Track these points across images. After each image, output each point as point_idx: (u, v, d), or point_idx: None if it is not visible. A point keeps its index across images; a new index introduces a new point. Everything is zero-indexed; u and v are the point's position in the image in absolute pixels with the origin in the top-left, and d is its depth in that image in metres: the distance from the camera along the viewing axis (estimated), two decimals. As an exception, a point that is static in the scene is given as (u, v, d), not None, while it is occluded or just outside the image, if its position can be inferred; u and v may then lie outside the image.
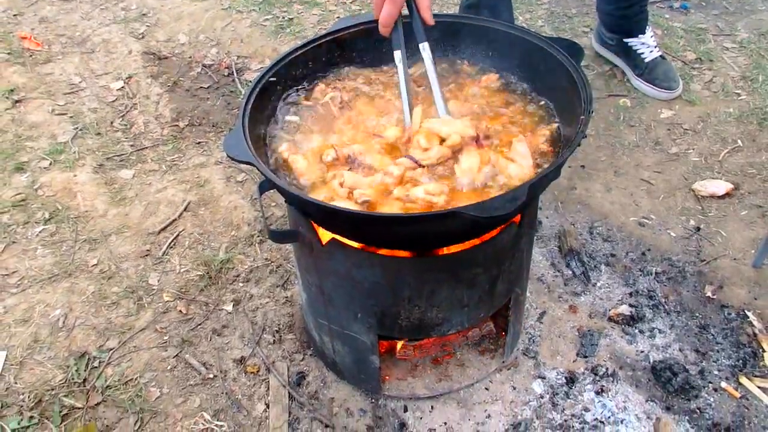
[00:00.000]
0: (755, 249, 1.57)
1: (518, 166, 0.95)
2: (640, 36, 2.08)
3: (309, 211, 1.01)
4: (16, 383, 1.35)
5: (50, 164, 1.94)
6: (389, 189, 0.96)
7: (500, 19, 1.20)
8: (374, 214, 0.93)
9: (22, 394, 1.33)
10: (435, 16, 1.18)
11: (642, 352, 1.37)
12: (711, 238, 1.63)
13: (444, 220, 0.86)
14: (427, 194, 0.93)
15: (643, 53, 2.08)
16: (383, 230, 0.95)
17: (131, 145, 2.01)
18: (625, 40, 2.10)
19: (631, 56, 2.11)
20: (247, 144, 0.96)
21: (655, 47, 2.08)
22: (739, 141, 1.91)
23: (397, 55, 1.10)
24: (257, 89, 1.09)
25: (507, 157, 0.98)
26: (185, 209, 1.78)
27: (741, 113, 2.00)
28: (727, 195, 1.73)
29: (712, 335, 1.40)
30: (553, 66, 1.08)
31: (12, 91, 2.22)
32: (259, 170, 0.92)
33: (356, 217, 0.91)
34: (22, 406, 1.30)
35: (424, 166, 0.98)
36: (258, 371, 1.36)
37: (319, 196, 0.96)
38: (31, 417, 1.28)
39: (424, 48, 1.09)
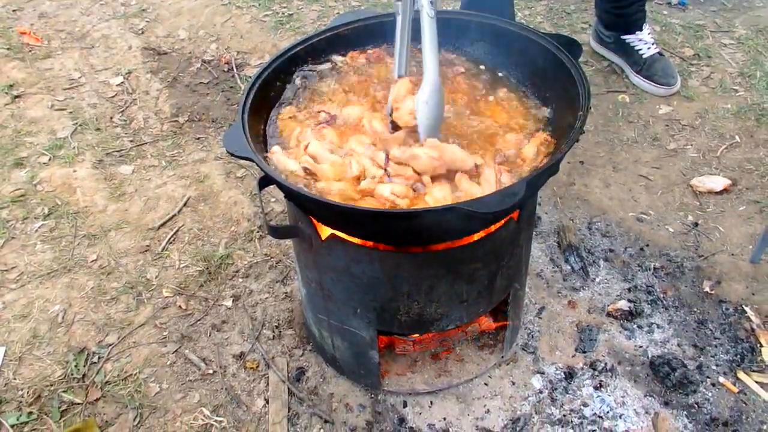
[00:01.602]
0: (753, 244, 1.57)
1: (481, 191, 0.95)
2: (637, 33, 2.08)
3: (308, 207, 1.01)
4: (15, 379, 1.35)
5: (50, 160, 1.93)
6: (348, 172, 0.97)
7: (501, 16, 1.19)
8: (373, 210, 0.93)
9: (21, 389, 1.33)
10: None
11: (640, 347, 1.37)
12: (709, 233, 1.63)
13: (442, 215, 0.87)
14: (392, 194, 0.93)
15: (641, 50, 2.08)
16: (382, 226, 0.95)
17: (131, 141, 2.01)
18: (623, 37, 2.10)
19: (629, 53, 2.11)
20: (247, 140, 0.96)
21: (653, 44, 2.09)
22: (736, 137, 1.91)
23: (397, 6, 1.01)
24: (257, 85, 1.09)
25: (475, 182, 0.97)
26: (185, 205, 1.78)
27: (739, 109, 2.00)
28: (725, 191, 1.74)
29: (710, 330, 1.40)
30: (552, 62, 1.08)
31: (11, 86, 2.22)
32: (259, 166, 0.92)
33: (355, 212, 0.91)
34: (21, 402, 1.30)
35: (388, 174, 0.96)
36: (257, 367, 1.37)
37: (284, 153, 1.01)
38: (30, 412, 1.29)
39: (427, 6, 0.97)
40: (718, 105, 2.03)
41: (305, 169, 0.99)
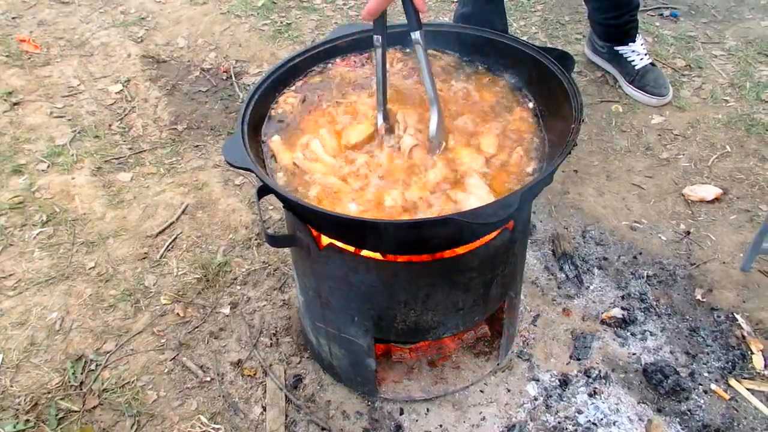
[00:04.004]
0: (743, 253, 1.60)
1: (476, 196, 0.97)
2: (630, 44, 2.12)
3: (306, 217, 1.02)
4: (12, 386, 1.35)
5: (48, 167, 1.94)
6: (341, 172, 1.04)
7: (493, 28, 1.22)
8: (370, 220, 0.95)
9: (18, 397, 1.33)
10: (429, 25, 1.21)
11: (634, 354, 1.39)
12: (701, 242, 1.66)
13: (438, 226, 0.88)
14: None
15: (633, 60, 2.12)
16: (379, 235, 0.97)
17: (129, 148, 2.02)
18: (616, 47, 2.14)
19: (621, 63, 2.15)
20: (246, 150, 0.97)
21: (645, 54, 2.13)
22: (727, 146, 1.95)
23: (377, 39, 1.04)
24: (256, 96, 1.11)
25: (464, 191, 1.00)
26: (183, 212, 1.79)
27: (729, 119, 2.04)
28: (716, 200, 1.77)
29: (702, 338, 1.42)
30: (545, 75, 1.10)
31: (10, 93, 2.23)
32: (258, 177, 0.94)
33: (353, 222, 0.92)
34: (18, 410, 1.30)
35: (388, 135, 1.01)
36: (255, 374, 1.37)
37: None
38: (27, 420, 1.29)
39: (417, 38, 1.02)
40: (709, 115, 2.07)
41: (295, 164, 1.03)
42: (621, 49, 2.14)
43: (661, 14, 2.58)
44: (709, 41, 2.41)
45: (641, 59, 2.12)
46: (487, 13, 2.04)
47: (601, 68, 2.26)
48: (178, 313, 1.51)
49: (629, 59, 2.13)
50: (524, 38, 2.46)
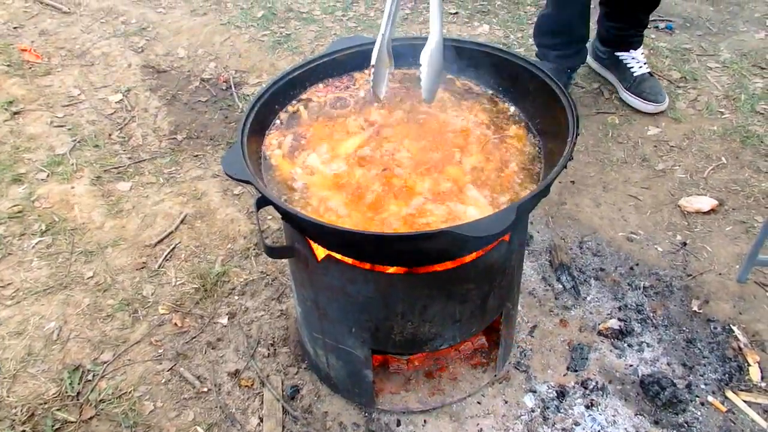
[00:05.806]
0: (740, 264, 1.61)
1: (475, 207, 0.99)
2: (631, 51, 2.16)
3: (305, 228, 1.03)
4: (8, 396, 1.35)
5: (48, 176, 1.95)
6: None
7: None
8: (367, 233, 0.95)
9: (15, 407, 1.32)
10: (422, 39, 1.23)
11: (631, 365, 1.39)
12: (697, 253, 1.67)
13: (435, 239, 0.89)
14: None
15: (632, 67, 2.16)
16: (376, 247, 0.97)
17: (129, 158, 2.03)
18: (617, 53, 2.18)
19: (621, 69, 2.19)
20: (246, 163, 0.98)
21: (645, 64, 2.17)
22: (723, 158, 1.96)
23: None
24: (256, 107, 1.12)
25: (463, 202, 1.01)
26: (182, 222, 1.80)
27: (724, 131, 2.06)
28: (712, 211, 1.78)
29: (699, 349, 1.43)
30: (542, 89, 1.12)
31: (11, 102, 2.24)
32: (257, 189, 0.95)
33: (350, 234, 0.93)
34: (14, 420, 1.30)
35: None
36: (252, 385, 1.37)
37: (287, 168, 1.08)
38: (24, 431, 1.28)
39: None
40: (704, 127, 2.09)
41: (293, 176, 1.05)
42: (621, 55, 2.18)
43: (657, 27, 2.62)
44: (704, 53, 2.44)
45: (640, 67, 2.16)
46: (568, 17, 1.97)
47: (599, 78, 2.29)
48: (175, 323, 1.51)
49: (628, 65, 2.17)
50: (521, 50, 2.49)
